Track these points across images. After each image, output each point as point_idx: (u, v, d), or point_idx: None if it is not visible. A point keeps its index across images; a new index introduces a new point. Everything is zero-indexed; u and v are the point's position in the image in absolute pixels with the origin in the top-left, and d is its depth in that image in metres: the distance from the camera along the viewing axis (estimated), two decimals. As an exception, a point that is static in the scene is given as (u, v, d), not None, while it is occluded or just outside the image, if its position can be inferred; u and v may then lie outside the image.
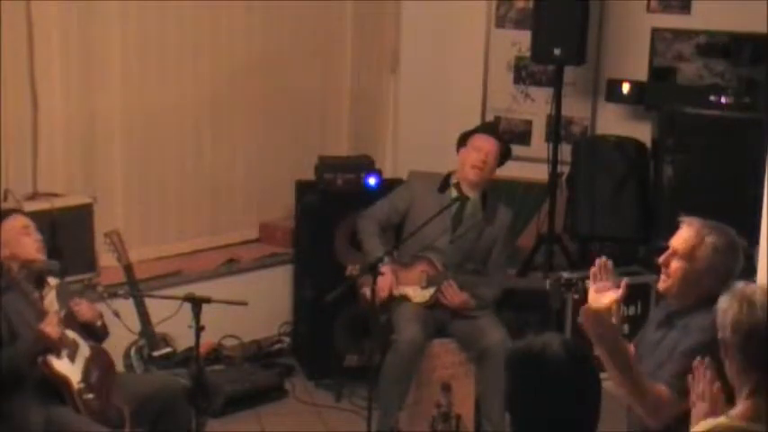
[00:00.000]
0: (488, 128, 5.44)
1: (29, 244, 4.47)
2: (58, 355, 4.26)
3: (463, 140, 5.40)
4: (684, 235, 3.68)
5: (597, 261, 3.65)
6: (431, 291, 5.28)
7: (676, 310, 3.71)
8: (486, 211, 5.35)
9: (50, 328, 4.21)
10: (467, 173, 5.31)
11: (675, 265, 3.66)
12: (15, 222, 4.50)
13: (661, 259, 3.71)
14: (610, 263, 3.63)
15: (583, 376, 2.61)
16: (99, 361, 4.43)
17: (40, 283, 4.46)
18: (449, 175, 5.41)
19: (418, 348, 5.15)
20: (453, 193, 5.36)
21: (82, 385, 4.29)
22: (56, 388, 4.27)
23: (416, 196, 5.43)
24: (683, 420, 3.43)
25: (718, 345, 3.28)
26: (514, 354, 2.67)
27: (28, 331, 4.25)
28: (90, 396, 4.30)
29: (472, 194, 5.34)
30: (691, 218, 3.71)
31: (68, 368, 4.29)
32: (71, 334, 4.36)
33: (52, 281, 4.50)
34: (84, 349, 4.40)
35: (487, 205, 5.37)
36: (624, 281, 3.56)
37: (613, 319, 3.52)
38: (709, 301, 3.59)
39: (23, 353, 4.21)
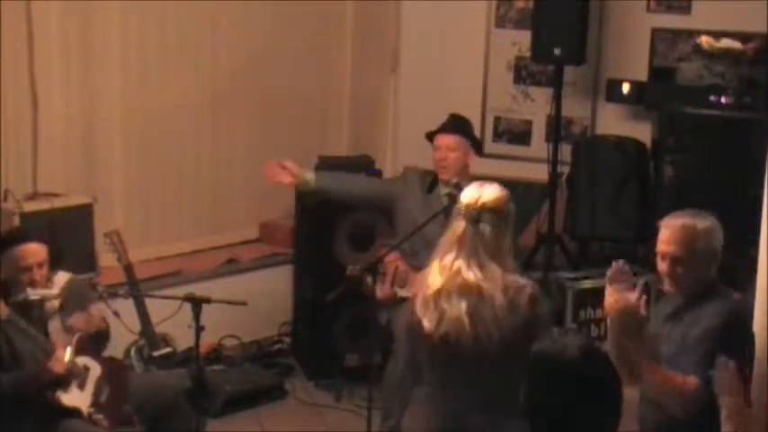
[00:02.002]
0: (444, 126, 5.44)
1: (24, 283, 4.33)
2: (66, 389, 4.27)
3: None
4: (673, 237, 3.67)
5: (614, 265, 3.65)
6: None
7: (683, 304, 3.71)
8: None
9: (58, 366, 4.20)
10: (438, 173, 5.36)
11: (680, 269, 3.66)
12: (21, 258, 4.32)
13: (665, 269, 3.69)
14: (625, 265, 3.65)
15: (602, 378, 2.60)
16: (110, 375, 4.43)
17: (40, 312, 4.38)
18: (436, 176, 5.42)
19: None
20: (442, 191, 5.37)
21: (92, 409, 4.30)
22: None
23: (408, 191, 5.40)
24: (710, 407, 3.44)
25: (731, 329, 3.31)
26: (533, 356, 2.65)
27: (30, 362, 4.23)
28: (100, 416, 4.31)
29: (455, 189, 5.33)
30: (666, 218, 3.71)
31: (78, 397, 4.30)
32: (82, 360, 4.36)
33: (53, 304, 4.42)
34: (96, 370, 4.40)
35: None
36: (643, 279, 3.59)
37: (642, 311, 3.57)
38: (712, 287, 3.65)
39: (28, 386, 4.19)
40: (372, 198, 5.49)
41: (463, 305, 3.60)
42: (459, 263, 3.64)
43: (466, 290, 3.61)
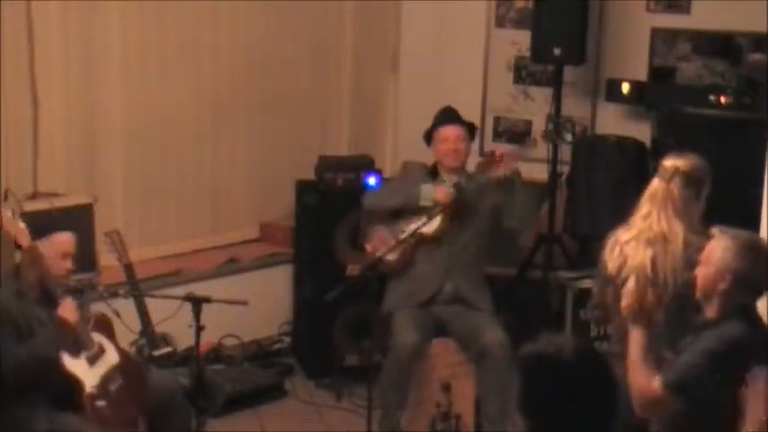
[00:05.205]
0: (447, 117, 5.44)
1: (60, 269, 4.35)
2: (76, 354, 4.23)
3: (429, 137, 5.41)
4: (708, 245, 3.66)
5: None
6: (439, 218, 5.23)
7: (707, 322, 3.63)
8: None
9: (68, 312, 4.19)
10: (445, 163, 5.35)
11: (698, 271, 3.66)
12: (61, 243, 4.36)
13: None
14: None
15: (599, 379, 2.60)
16: (127, 371, 4.40)
17: (50, 298, 4.36)
18: (435, 167, 5.43)
19: (416, 352, 5.15)
20: (446, 182, 5.35)
21: (94, 391, 4.24)
22: (69, 391, 4.21)
23: (416, 180, 5.44)
24: (683, 417, 3.41)
25: (732, 358, 3.27)
26: (528, 357, 2.65)
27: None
28: (102, 403, 4.24)
29: (464, 180, 5.33)
30: (716, 229, 3.69)
31: (83, 370, 4.25)
32: (97, 337, 4.35)
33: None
34: (113, 356, 4.38)
35: None
36: None
37: None
38: (740, 311, 3.56)
39: (44, 347, 4.10)
40: (403, 204, 5.40)
41: (649, 253, 4.02)
42: (651, 216, 4.08)
43: (652, 240, 4.04)
